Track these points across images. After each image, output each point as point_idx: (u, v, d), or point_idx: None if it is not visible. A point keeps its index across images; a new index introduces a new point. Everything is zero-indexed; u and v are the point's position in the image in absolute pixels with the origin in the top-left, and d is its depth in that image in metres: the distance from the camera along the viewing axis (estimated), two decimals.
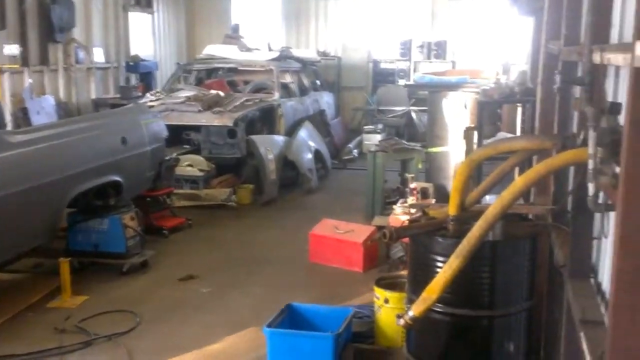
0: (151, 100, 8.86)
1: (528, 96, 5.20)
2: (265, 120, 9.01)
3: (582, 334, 2.25)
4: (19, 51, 8.16)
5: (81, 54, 10.30)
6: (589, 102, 2.25)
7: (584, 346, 2.16)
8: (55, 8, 9.53)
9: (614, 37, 2.50)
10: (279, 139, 8.72)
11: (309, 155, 8.87)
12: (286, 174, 8.53)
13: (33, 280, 5.36)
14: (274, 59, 10.11)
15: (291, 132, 9.12)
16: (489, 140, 5.04)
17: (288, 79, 10.21)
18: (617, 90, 2.45)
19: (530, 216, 3.81)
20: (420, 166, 7.49)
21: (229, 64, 10.28)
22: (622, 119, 1.89)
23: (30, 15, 9.19)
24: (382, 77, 13.58)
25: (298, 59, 11.00)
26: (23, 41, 8.94)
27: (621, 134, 1.76)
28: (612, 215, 1.89)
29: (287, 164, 8.45)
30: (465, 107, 6.79)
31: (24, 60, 8.87)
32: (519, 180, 2.89)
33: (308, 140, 9.13)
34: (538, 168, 2.85)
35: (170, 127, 7.16)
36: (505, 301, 3.34)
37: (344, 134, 11.78)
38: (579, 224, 2.74)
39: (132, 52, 11.81)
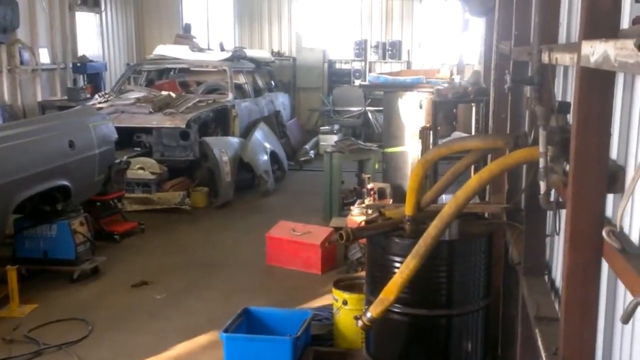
0: (100, 102, 8.63)
1: (482, 96, 5.27)
2: (219, 121, 8.89)
3: (537, 330, 2.26)
4: None
5: (26, 55, 9.96)
6: (539, 101, 2.27)
7: (539, 342, 2.18)
8: None
9: (562, 37, 2.53)
10: (234, 140, 8.61)
11: (265, 157, 8.80)
12: (242, 176, 8.43)
13: None
14: (227, 59, 9.99)
15: (246, 133, 9.02)
16: (444, 140, 5.08)
17: (242, 79, 10.10)
18: (566, 90, 2.49)
19: (485, 215, 3.84)
20: (377, 166, 7.51)
21: (181, 65, 10.11)
22: (570, 117, 1.91)
23: None
24: (337, 78, 13.61)
25: (252, 60, 10.90)
26: None
27: (570, 133, 1.77)
28: (564, 212, 1.90)
29: (242, 165, 8.35)
30: (421, 107, 6.83)
31: None
32: (473, 180, 2.90)
33: (263, 141, 9.05)
34: (491, 167, 2.86)
35: (120, 130, 6.98)
36: (463, 300, 3.36)
37: (300, 135, 11.74)
38: (532, 222, 2.76)
39: (80, 53, 11.50)
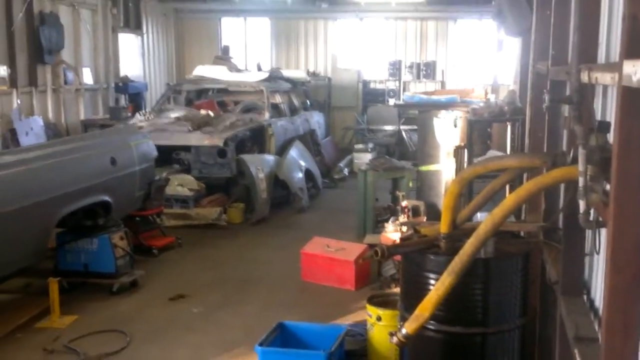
0: (140, 121, 8.85)
1: (517, 115, 5.26)
2: (256, 139, 9.03)
3: (576, 351, 2.25)
4: (7, 72, 8.15)
5: (70, 75, 10.29)
6: (578, 120, 2.28)
7: None
8: (44, 30, 9.54)
9: (601, 56, 2.54)
10: (270, 158, 8.73)
11: (300, 175, 8.88)
12: (277, 193, 8.52)
13: (22, 300, 5.30)
14: (264, 80, 10.17)
15: (282, 151, 9.14)
16: (479, 159, 5.08)
17: (278, 99, 10.25)
18: (606, 109, 2.49)
19: (521, 233, 3.83)
20: (411, 184, 7.52)
21: (219, 85, 10.31)
22: (611, 137, 1.92)
23: (19, 36, 9.19)
24: (372, 97, 13.70)
25: (288, 80, 11.06)
26: (12, 63, 8.93)
27: (610, 152, 1.77)
28: (604, 231, 1.90)
29: (278, 183, 8.45)
30: (455, 125, 6.84)
31: (12, 82, 8.85)
32: (510, 198, 2.90)
33: (299, 159, 9.15)
34: (528, 186, 2.86)
35: (160, 148, 7.15)
36: (499, 318, 3.34)
37: (334, 153, 11.82)
38: (570, 241, 2.75)
39: (122, 73, 11.83)
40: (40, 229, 4.89)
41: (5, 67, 8.07)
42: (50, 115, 9.87)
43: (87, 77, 10.94)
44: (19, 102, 9.01)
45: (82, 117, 10.54)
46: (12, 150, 6.17)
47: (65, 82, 10.19)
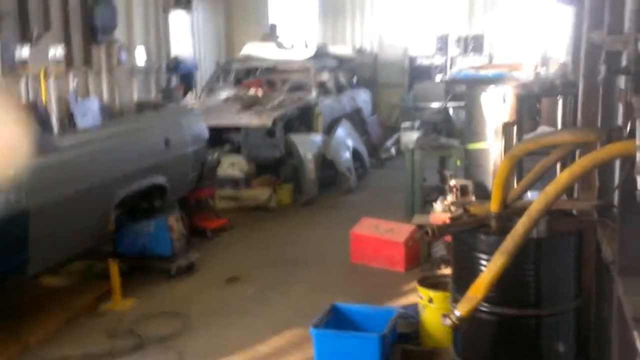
0: (192, 102, 8.98)
1: (569, 89, 5.11)
2: (303, 119, 9.05)
3: (635, 333, 2.21)
4: (63, 53, 8.31)
5: (123, 55, 10.45)
6: (636, 92, 2.21)
7: (638, 345, 2.13)
8: (97, 9, 9.69)
9: None
10: (317, 138, 8.75)
11: (347, 154, 8.88)
12: (325, 173, 8.55)
13: (83, 283, 5.50)
14: (310, 57, 10.14)
15: (329, 130, 9.14)
16: (528, 136, 4.97)
17: (325, 77, 10.22)
18: None
19: (574, 212, 3.75)
20: (459, 163, 7.43)
21: (267, 63, 10.35)
22: None
23: (73, 16, 9.36)
24: (418, 74, 13.49)
25: (334, 57, 11.00)
26: (67, 43, 9.11)
27: None
28: None
29: (325, 163, 8.48)
30: (504, 101, 6.69)
31: (67, 62, 9.05)
32: (563, 175, 2.84)
33: (346, 138, 9.14)
34: (583, 162, 2.79)
35: (211, 128, 7.24)
36: (552, 299, 3.30)
37: (381, 132, 11.75)
38: (627, 219, 2.68)
39: (173, 53, 11.98)
40: (101, 211, 5.02)
41: (61, 48, 8.23)
42: (105, 96, 10.08)
43: (140, 57, 11.10)
44: (75, 83, 9.17)
45: (135, 98, 10.75)
46: (72, 132, 6.33)
47: (119, 63, 10.36)
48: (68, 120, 8.80)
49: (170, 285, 5.49)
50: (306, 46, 11.24)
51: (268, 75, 10.55)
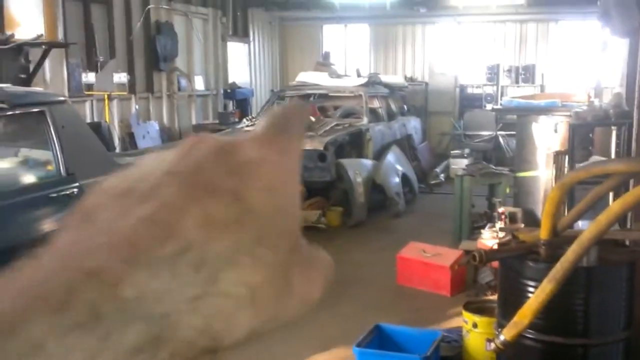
0: (247, 125, 9.25)
1: (623, 119, 5.08)
2: (354, 144, 9.19)
3: None
4: (126, 79, 8.79)
5: (183, 82, 10.90)
6: None
7: None
8: (159, 38, 10.18)
9: None
10: (367, 162, 8.86)
11: (397, 179, 8.96)
12: (374, 197, 8.64)
13: None
14: (362, 85, 10.32)
15: (379, 156, 9.25)
16: (581, 165, 4.95)
17: (376, 104, 10.37)
18: None
19: (627, 242, 3.72)
20: (508, 191, 7.40)
21: (320, 90, 10.57)
22: None
23: (137, 45, 9.87)
24: (469, 102, 13.52)
25: (386, 85, 11.16)
26: (130, 70, 9.61)
27: None
28: None
29: (375, 187, 8.56)
30: (556, 131, 6.67)
31: (131, 87, 9.53)
32: (616, 204, 2.85)
33: (395, 164, 9.22)
34: (636, 191, 2.79)
35: None
36: (601, 330, 3.27)
37: (431, 159, 11.78)
38: None
39: (230, 80, 12.37)
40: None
41: (125, 74, 8.72)
42: (165, 119, 10.51)
43: (199, 84, 11.55)
44: (137, 107, 9.66)
45: (193, 121, 11.14)
46: (132, 152, 6.62)
47: (179, 89, 10.81)
48: (129, 141, 9.19)
49: None
50: (358, 74, 11.44)
51: (321, 102, 10.77)
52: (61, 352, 0.28)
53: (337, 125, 9.18)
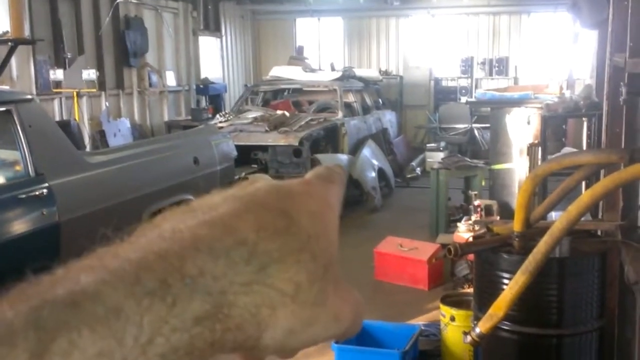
0: (220, 122, 9.18)
1: (594, 110, 5.13)
2: (330, 139, 9.17)
3: None
4: (96, 76, 8.66)
5: (154, 78, 10.77)
6: None
7: None
8: (129, 34, 10.02)
9: None
10: (343, 157, 8.85)
11: (373, 174, 8.96)
12: (350, 192, 8.62)
13: None
14: (337, 79, 10.30)
15: (354, 150, 9.24)
16: (553, 156, 4.99)
17: (351, 98, 10.36)
18: None
19: (598, 232, 3.76)
20: (483, 183, 7.45)
21: (294, 85, 10.53)
22: None
23: (106, 41, 9.70)
24: (443, 95, 13.58)
25: (360, 79, 11.15)
26: (100, 66, 9.45)
27: None
28: None
29: (351, 182, 8.55)
30: (529, 123, 6.72)
31: (100, 84, 9.38)
32: (586, 195, 2.86)
33: (371, 158, 9.22)
34: (605, 182, 2.82)
35: (239, 147, 7.37)
36: (574, 320, 3.30)
37: (406, 152, 11.81)
38: None
39: (202, 76, 12.25)
40: (130, 227, 5.16)
41: (94, 71, 8.59)
42: (136, 116, 10.37)
43: (170, 79, 11.41)
44: (107, 104, 9.51)
45: (165, 118, 11.02)
46: (102, 150, 6.53)
47: (150, 85, 10.67)
48: (100, 139, 9.05)
49: None
50: (333, 68, 11.41)
51: (295, 97, 10.73)
52: (137, 314, 0.33)
53: (311, 120, 9.15)
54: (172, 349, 0.34)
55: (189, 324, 0.34)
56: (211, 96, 12.02)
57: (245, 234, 0.37)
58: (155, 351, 0.33)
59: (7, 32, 7.00)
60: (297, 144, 8.30)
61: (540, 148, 5.55)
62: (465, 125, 12.47)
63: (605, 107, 4.25)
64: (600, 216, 4.17)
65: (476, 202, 6.40)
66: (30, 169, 4.29)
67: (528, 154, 5.96)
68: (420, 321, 4.82)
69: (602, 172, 3.80)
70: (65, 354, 0.31)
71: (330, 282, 0.40)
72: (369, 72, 12.45)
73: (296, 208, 0.39)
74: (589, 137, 5.42)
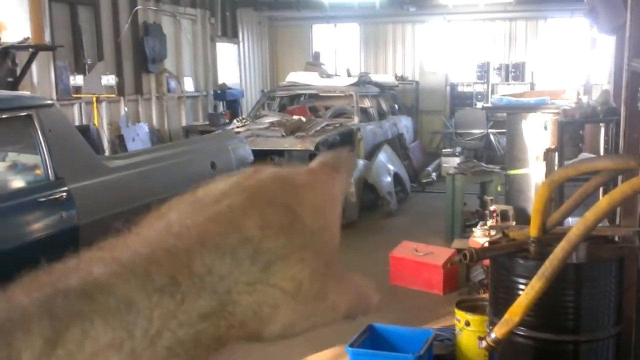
0: (237, 127, 9.24)
1: (611, 115, 5.10)
2: (345, 144, 9.18)
3: None
4: (115, 81, 8.77)
5: (172, 84, 10.86)
6: None
7: None
8: (148, 40, 10.13)
9: None
10: (359, 162, 8.85)
11: (388, 179, 8.96)
12: (366, 197, 8.63)
13: None
14: (353, 85, 10.33)
15: (370, 155, 9.25)
16: (570, 162, 4.97)
17: (367, 103, 10.38)
18: None
19: (616, 238, 3.74)
20: (499, 189, 7.42)
21: (311, 90, 10.56)
22: None
23: (125, 47, 9.82)
24: (459, 101, 13.55)
25: (376, 84, 11.17)
26: (119, 72, 9.56)
27: None
28: None
29: (366, 187, 8.56)
30: (546, 128, 6.69)
31: (119, 90, 9.49)
32: (603, 201, 2.85)
33: (387, 163, 9.23)
34: (623, 188, 2.80)
35: (256, 152, 7.41)
36: (591, 326, 3.28)
37: (422, 157, 11.80)
38: None
39: (220, 81, 12.33)
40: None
41: (113, 76, 8.69)
42: (155, 121, 10.46)
43: (188, 85, 11.51)
44: (126, 109, 9.61)
45: (183, 123, 11.10)
46: (121, 155, 6.60)
47: (168, 90, 10.76)
48: (119, 143, 9.14)
49: None
50: (349, 74, 11.44)
51: (311, 102, 10.77)
52: (147, 308, 0.34)
53: (327, 125, 9.18)
54: (178, 342, 0.35)
55: (195, 320, 0.35)
56: (228, 101, 12.09)
57: (250, 232, 0.38)
58: (162, 344, 0.34)
59: (28, 38, 7.12)
60: (313, 148, 8.33)
61: (557, 153, 5.52)
62: (482, 131, 12.43)
63: (622, 113, 4.23)
64: (617, 222, 4.15)
65: (492, 208, 6.38)
66: (50, 172, 4.36)
67: (545, 160, 5.93)
68: (435, 326, 4.81)
69: (620, 178, 3.78)
70: (78, 342, 0.32)
71: (331, 277, 0.41)
72: (385, 77, 12.46)
73: (300, 202, 0.40)
74: (606, 142, 5.39)
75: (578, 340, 3.27)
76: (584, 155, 5.75)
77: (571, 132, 5.68)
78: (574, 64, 12.00)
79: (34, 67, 7.67)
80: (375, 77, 11.59)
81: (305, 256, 0.39)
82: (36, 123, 4.31)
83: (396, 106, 11.88)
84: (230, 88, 12.17)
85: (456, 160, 10.16)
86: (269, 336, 0.39)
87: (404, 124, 11.68)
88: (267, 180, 0.41)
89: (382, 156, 9.19)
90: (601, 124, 5.70)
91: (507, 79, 13.20)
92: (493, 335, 3.03)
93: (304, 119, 9.48)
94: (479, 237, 5.80)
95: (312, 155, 8.35)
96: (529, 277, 3.01)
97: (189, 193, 0.42)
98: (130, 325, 0.34)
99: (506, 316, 3.02)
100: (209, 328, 0.36)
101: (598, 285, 3.29)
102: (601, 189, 3.97)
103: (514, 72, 13.11)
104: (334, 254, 0.42)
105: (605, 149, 5.43)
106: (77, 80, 8.38)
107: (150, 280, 0.35)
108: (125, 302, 0.34)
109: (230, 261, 0.37)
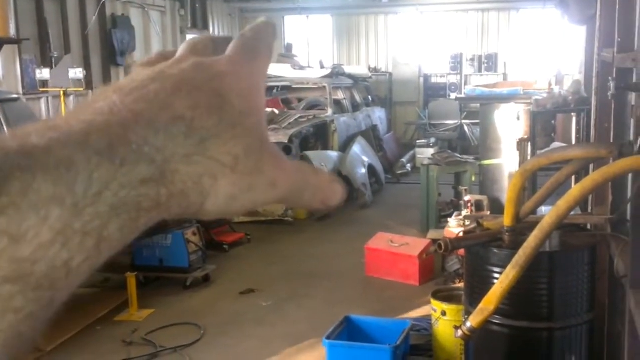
0: None
1: (582, 105, 5.16)
2: (319, 136, 9.16)
3: None
4: (83, 75, 8.60)
5: None
6: None
7: None
8: (116, 32, 9.96)
9: None
10: (333, 154, 8.85)
11: (363, 170, 8.96)
12: None
13: (101, 294, 5.58)
14: (326, 76, 10.29)
15: (344, 147, 9.24)
16: (542, 151, 5.01)
17: (340, 95, 10.36)
18: None
19: (588, 226, 3.78)
20: (473, 179, 7.47)
21: (283, 82, 10.50)
22: None
23: (93, 40, 9.64)
24: (433, 92, 13.61)
25: (350, 76, 11.15)
26: (87, 65, 9.38)
27: None
28: None
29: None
30: (518, 118, 6.74)
31: (87, 83, 9.31)
32: (575, 189, 2.87)
33: (361, 155, 9.23)
34: (594, 176, 2.82)
35: None
36: (565, 313, 3.31)
37: (396, 149, 11.83)
38: (639, 233, 2.72)
39: None
40: None
41: (81, 69, 8.52)
42: None
43: None
44: None
45: None
46: None
47: None
48: None
49: (186, 297, 5.57)
50: (322, 66, 11.40)
51: (284, 94, 10.71)
52: (87, 169, 0.35)
53: (301, 117, 9.14)
54: (120, 202, 0.36)
55: (135, 184, 0.36)
56: None
57: (181, 111, 0.38)
58: (104, 202, 0.35)
59: None
60: (286, 141, 8.29)
61: (529, 143, 5.57)
62: (455, 122, 12.51)
63: (593, 102, 4.27)
64: (590, 210, 4.20)
65: (466, 198, 6.41)
66: None
67: (518, 150, 5.98)
68: (411, 316, 4.83)
69: (592, 166, 3.82)
70: (19, 193, 0.33)
71: (266, 154, 0.42)
72: (358, 69, 12.45)
73: (226, 88, 0.41)
74: (578, 132, 5.45)
75: (552, 327, 3.30)
76: (556, 144, 5.81)
77: (543, 122, 5.74)
78: (545, 55, 12.13)
79: None
80: (348, 69, 11.57)
81: (237, 133, 0.40)
82: (1, 117, 4.20)
83: (370, 98, 11.89)
84: None
85: (430, 151, 10.20)
86: (212, 209, 0.40)
87: (378, 115, 11.70)
88: (191, 68, 0.41)
89: (356, 148, 9.18)
90: (573, 114, 5.76)
91: (480, 70, 13.30)
92: (469, 324, 3.04)
93: (277, 111, 9.42)
94: (454, 227, 5.82)
95: (285, 148, 8.31)
96: (503, 266, 3.02)
97: (111, 85, 0.41)
98: (71, 183, 0.34)
99: (481, 305, 3.03)
100: (150, 193, 0.37)
101: (571, 273, 3.32)
102: (573, 178, 4.01)
103: (487, 63, 13.22)
104: (265, 135, 0.43)
105: (577, 138, 5.49)
106: (44, 74, 8.20)
107: (88, 145, 0.35)
108: (65, 162, 0.34)
109: (164, 136, 0.37)
